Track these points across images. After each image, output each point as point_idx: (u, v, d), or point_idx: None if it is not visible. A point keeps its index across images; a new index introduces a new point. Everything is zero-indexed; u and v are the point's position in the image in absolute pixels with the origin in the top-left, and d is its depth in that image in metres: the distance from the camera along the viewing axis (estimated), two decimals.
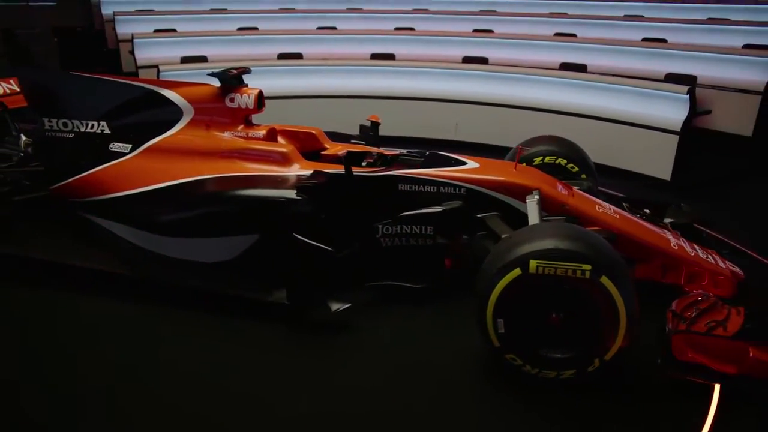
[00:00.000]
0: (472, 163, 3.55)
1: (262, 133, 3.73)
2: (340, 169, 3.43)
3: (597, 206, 3.38)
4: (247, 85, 3.78)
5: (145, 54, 8.01)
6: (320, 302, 3.13)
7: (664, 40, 7.62)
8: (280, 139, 3.86)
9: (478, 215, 3.37)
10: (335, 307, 3.10)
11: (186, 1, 10.35)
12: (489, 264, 2.72)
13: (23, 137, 4.34)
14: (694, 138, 5.87)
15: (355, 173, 3.39)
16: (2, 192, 3.92)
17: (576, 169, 3.98)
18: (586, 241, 2.59)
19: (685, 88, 5.77)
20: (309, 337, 3.19)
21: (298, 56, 8.20)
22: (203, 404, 2.68)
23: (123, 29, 9.02)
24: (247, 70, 3.82)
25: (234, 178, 3.48)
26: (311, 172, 3.46)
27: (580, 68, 7.25)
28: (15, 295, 3.54)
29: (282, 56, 8.16)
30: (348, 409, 2.66)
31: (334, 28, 9.27)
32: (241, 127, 3.77)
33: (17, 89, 4.64)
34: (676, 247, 3.27)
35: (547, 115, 6.60)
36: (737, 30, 7.45)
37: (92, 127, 4.03)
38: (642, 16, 8.74)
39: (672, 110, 5.88)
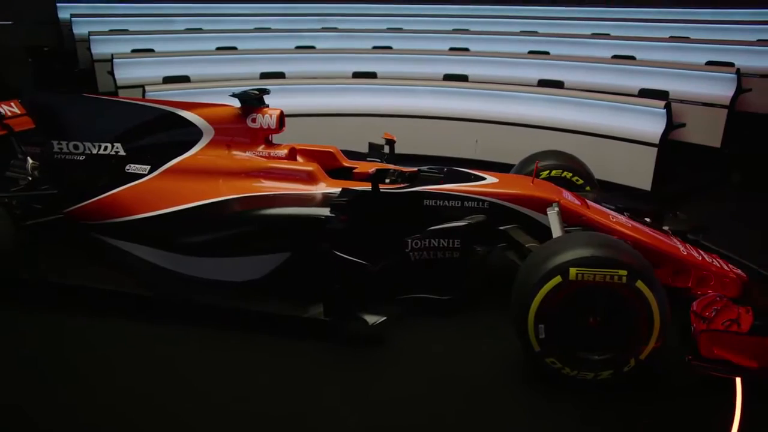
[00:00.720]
0: (490, 178, 3.71)
1: (284, 152, 3.81)
2: (365, 187, 3.54)
3: (611, 216, 3.59)
4: (267, 106, 3.86)
5: (125, 74, 7.95)
6: (357, 316, 3.21)
7: (633, 57, 8.03)
8: (299, 158, 3.95)
9: (500, 228, 3.53)
10: (372, 320, 3.19)
11: (159, 21, 10.33)
12: (527, 273, 2.87)
13: (30, 160, 4.29)
14: (670, 150, 6.23)
15: (381, 190, 3.51)
16: (14, 216, 3.86)
17: (581, 181, 4.20)
18: (619, 249, 2.78)
19: (663, 103, 6.12)
20: (344, 352, 3.27)
21: (280, 75, 8.28)
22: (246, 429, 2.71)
23: (99, 49, 8.90)
24: (266, 91, 3.90)
25: (264, 197, 3.54)
26: (339, 189, 3.55)
27: (558, 84, 7.57)
28: (35, 320, 3.49)
29: (264, 75, 8.22)
30: (389, 422, 2.75)
31: (313, 47, 9.39)
32: (262, 147, 3.84)
33: (18, 111, 4.59)
34: (685, 253, 3.50)
35: (532, 130, 6.86)
36: (698, 48, 7.93)
37: (105, 149, 4.03)
38: (609, 34, 9.18)
39: (650, 124, 6.22)
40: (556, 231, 3.31)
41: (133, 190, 3.80)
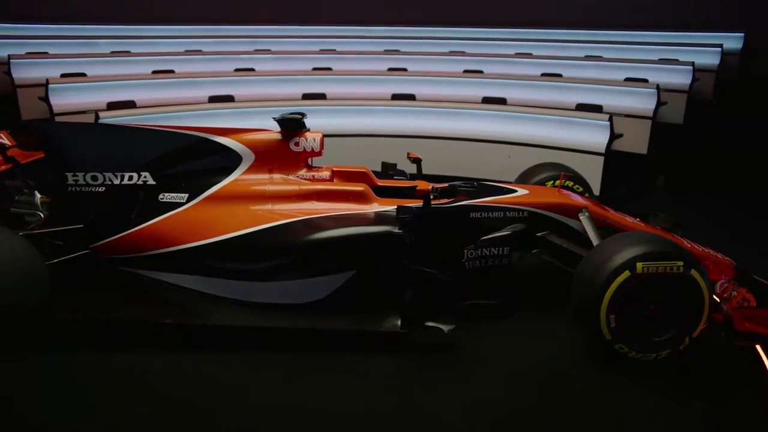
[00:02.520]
0: (521, 190, 4.07)
1: (327, 174, 3.92)
2: (416, 203, 3.75)
3: (627, 217, 4.07)
4: (309, 129, 3.95)
5: (61, 100, 7.52)
6: (434, 326, 3.40)
7: (560, 75, 8.84)
8: (336, 179, 4.06)
9: (538, 234, 3.89)
10: (447, 328, 3.40)
11: (81, 43, 9.82)
12: (593, 272, 3.23)
13: (38, 195, 4.04)
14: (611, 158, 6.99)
15: (433, 206, 3.74)
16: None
17: (581, 189, 4.67)
18: (672, 244, 3.23)
19: (607, 116, 6.86)
20: (423, 360, 3.44)
21: (229, 99, 8.19)
22: None
23: (21, 73, 8.33)
24: (304, 115, 3.98)
25: (326, 218, 3.63)
26: (392, 207, 3.73)
27: (501, 101, 8.16)
28: (89, 361, 3.35)
29: (213, 99, 8.10)
30: (493, 420, 2.97)
31: (253, 69, 9.37)
32: (305, 170, 3.92)
33: (9, 143, 4.30)
34: (689, 245, 4.05)
35: (486, 144, 7.38)
36: (614, 66, 8.91)
37: (131, 178, 3.91)
38: (531, 53, 10.01)
39: (595, 135, 6.94)
40: (592, 233, 3.73)
41: (174, 219, 3.73)
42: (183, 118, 6.98)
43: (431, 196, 3.98)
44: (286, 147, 3.89)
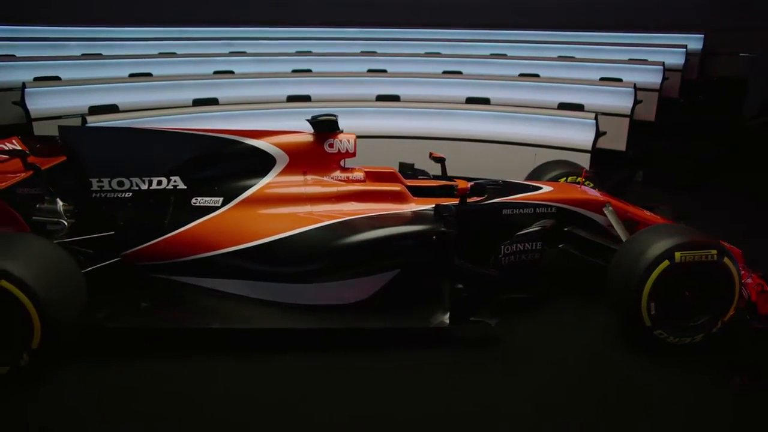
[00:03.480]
0: (546, 187, 4.21)
1: (361, 175, 3.96)
2: (452, 201, 3.83)
3: (645, 211, 4.27)
4: (342, 131, 3.97)
5: (38, 105, 7.27)
6: (481, 320, 3.49)
7: (538, 75, 9.12)
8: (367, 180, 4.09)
9: (565, 228, 4.04)
10: (494, 322, 3.50)
11: (50, 45, 9.48)
12: (632, 262, 3.39)
13: (60, 202, 3.91)
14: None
15: (469, 203, 3.83)
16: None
17: (591, 185, 4.86)
18: (704, 234, 3.43)
19: (593, 114, 7.12)
20: (471, 355, 3.52)
21: (213, 101, 8.08)
22: None
23: None
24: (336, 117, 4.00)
25: (370, 218, 3.66)
26: (429, 206, 3.80)
27: (485, 101, 8.35)
28: (137, 370, 3.29)
29: (197, 102, 7.97)
30: (545, 409, 3.07)
31: (232, 72, 9.26)
32: (338, 171, 3.95)
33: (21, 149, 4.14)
34: None
35: (477, 145, 7.54)
36: (587, 66, 9.24)
37: (159, 183, 3.84)
38: (505, 54, 10.26)
39: (582, 133, 7.20)
40: (618, 226, 3.91)
41: (211, 224, 3.68)
42: (169, 122, 6.85)
43: (455, 194, 4.07)
44: (321, 149, 3.90)
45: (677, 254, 3.30)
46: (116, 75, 8.60)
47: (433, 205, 3.80)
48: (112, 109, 7.38)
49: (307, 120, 3.93)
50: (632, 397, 3.17)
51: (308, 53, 10.38)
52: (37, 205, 3.85)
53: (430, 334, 3.57)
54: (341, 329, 3.52)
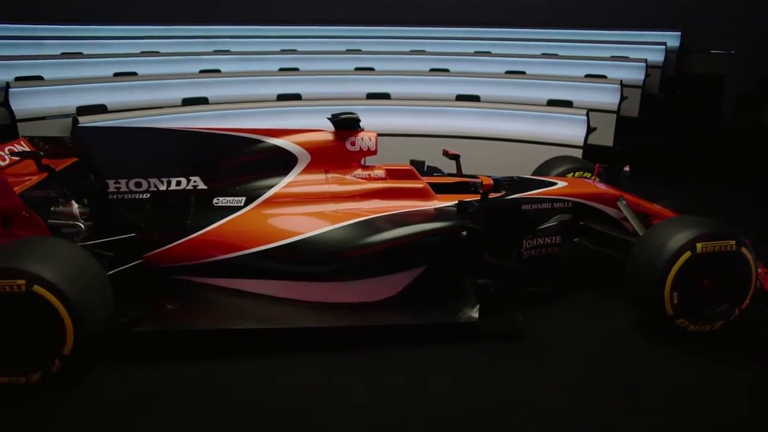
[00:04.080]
0: (561, 182, 4.29)
1: (382, 172, 3.97)
2: (474, 197, 3.88)
3: (655, 205, 4.39)
4: (362, 129, 3.98)
5: (23, 105, 7.07)
6: (510, 314, 3.55)
7: (524, 72, 9.24)
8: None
9: (581, 222, 4.13)
10: (521, 316, 3.56)
11: (26, 44, 9.21)
12: (654, 254, 3.48)
13: (75, 205, 3.83)
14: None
15: (490, 199, 3.88)
16: None
17: (598, 179, 4.97)
18: (723, 224, 3.54)
19: (584, 111, 7.27)
20: (499, 349, 3.55)
21: (203, 101, 7.98)
22: None
23: None
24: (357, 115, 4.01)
25: (397, 215, 3.68)
26: (452, 203, 3.84)
27: (475, 98, 8.43)
28: (168, 374, 3.24)
29: (187, 101, 7.87)
30: (579, 399, 3.15)
31: (219, 71, 9.15)
32: (360, 169, 3.95)
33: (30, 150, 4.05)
34: None
35: (468, 142, 7.61)
36: (572, 63, 9.41)
37: (179, 183, 3.79)
38: (489, 52, 10.38)
39: (573, 129, 7.34)
40: (634, 219, 4.02)
41: (235, 223, 3.65)
42: (161, 122, 6.76)
43: (472, 190, 4.12)
44: (342, 147, 3.90)
45: (698, 245, 3.41)
46: (100, 74, 8.40)
47: (456, 202, 3.83)
48: (101, 109, 7.23)
49: (328, 118, 3.92)
50: (656, 385, 3.26)
51: (293, 51, 10.31)
52: (52, 208, 3.77)
53: (454, 329, 3.60)
54: (369, 327, 3.52)
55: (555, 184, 4.26)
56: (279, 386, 3.19)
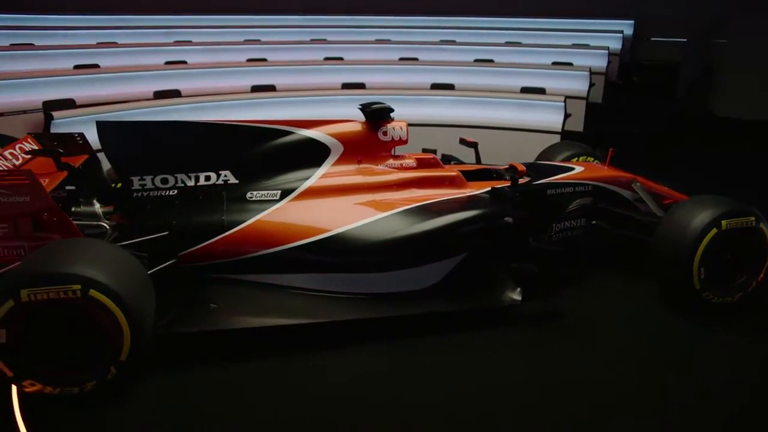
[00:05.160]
0: (578, 167, 4.42)
1: (413, 161, 3.97)
2: (504, 184, 3.95)
3: (663, 186, 4.60)
4: (393, 119, 3.96)
5: None
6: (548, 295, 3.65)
7: (492, 60, 9.42)
8: None
9: (600, 205, 4.29)
10: (559, 297, 3.67)
11: None
12: (680, 232, 3.65)
13: (97, 204, 3.64)
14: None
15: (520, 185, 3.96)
16: None
17: (598, 162, 5.15)
18: (740, 202, 3.77)
19: (562, 97, 7.49)
20: (539, 330, 3.64)
21: (176, 93, 7.70)
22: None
23: None
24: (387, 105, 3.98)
25: (437, 204, 3.69)
26: (484, 190, 3.89)
27: (450, 87, 8.53)
28: (216, 374, 3.15)
29: (158, 94, 7.57)
30: (623, 370, 3.30)
31: (185, 62, 8.84)
32: (391, 159, 3.94)
33: (37, 148, 3.81)
34: None
35: (448, 130, 7.69)
36: (537, 51, 9.66)
37: (208, 178, 3.67)
38: (454, 41, 10.49)
39: (550, 116, 7.56)
40: (650, 201, 4.21)
41: (274, 217, 3.56)
42: (135, 115, 6.50)
43: (494, 176, 4.20)
44: (374, 137, 3.87)
45: (723, 222, 3.61)
46: (57, 67, 7.95)
47: (490, 189, 3.89)
48: (69, 104, 6.86)
49: (360, 108, 3.89)
50: (695, 354, 3.47)
51: (257, 41, 10.09)
52: (73, 208, 3.57)
53: (492, 314, 3.67)
54: (414, 316, 3.53)
55: (573, 169, 4.39)
56: (334, 380, 3.16)
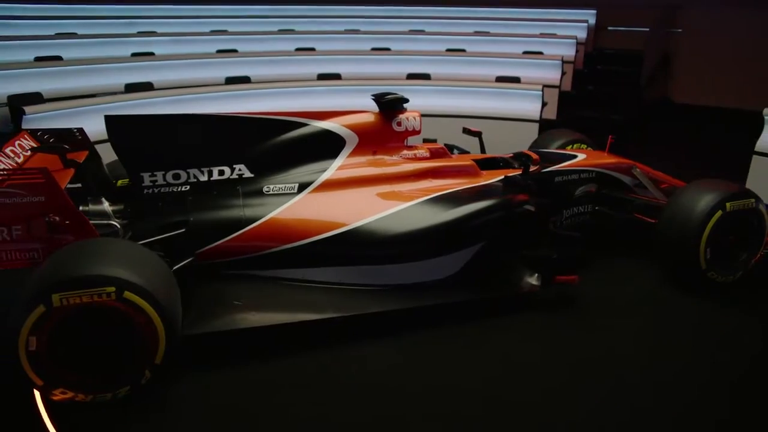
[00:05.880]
0: (581, 155, 4.50)
1: (426, 151, 3.96)
2: (516, 172, 4.00)
3: (658, 172, 4.74)
4: (406, 109, 3.93)
5: None
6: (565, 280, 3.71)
7: (464, 50, 9.48)
8: None
9: (603, 191, 4.39)
10: (578, 280, 3.74)
11: None
12: (687, 214, 3.78)
13: (105, 202, 3.49)
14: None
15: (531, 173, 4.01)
16: None
17: (588, 147, 5.26)
18: (740, 185, 3.93)
19: (539, 86, 7.61)
20: (557, 314, 3.70)
21: (148, 86, 7.43)
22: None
23: None
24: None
25: (455, 193, 3.69)
26: (498, 179, 3.93)
27: (426, 77, 8.54)
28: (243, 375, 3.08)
29: (129, 87, 7.29)
30: (649, 346, 3.43)
31: (153, 54, 8.54)
32: (405, 149, 3.92)
33: (34, 145, 3.61)
34: None
35: (431, 119, 7.71)
36: (506, 40, 9.77)
37: (222, 173, 3.57)
38: (423, 30, 10.50)
39: (528, 104, 7.68)
40: (650, 185, 4.34)
41: (293, 211, 3.49)
42: (110, 109, 6.25)
43: (501, 165, 4.24)
44: (389, 127, 3.84)
45: (728, 204, 3.76)
46: (16, 59, 7.56)
47: (503, 177, 3.93)
48: (36, 98, 6.55)
49: (373, 99, 3.85)
50: (709, 330, 3.63)
51: (225, 32, 9.84)
52: (81, 207, 3.41)
53: (510, 300, 3.72)
54: (437, 305, 3.53)
55: (576, 156, 4.47)
56: (371, 370, 3.15)
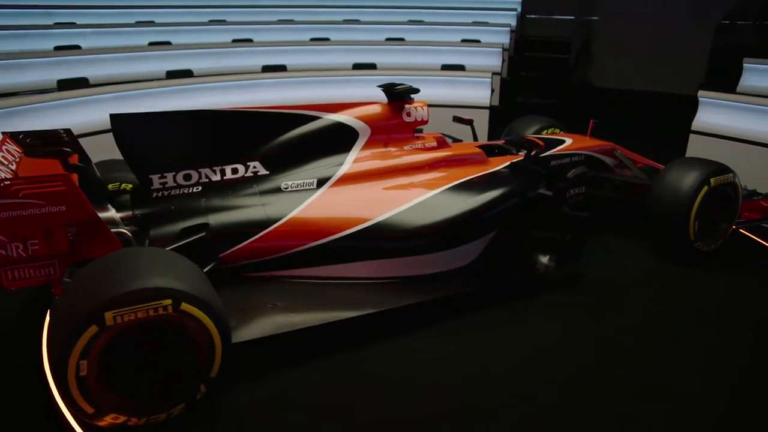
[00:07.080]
0: (568, 139, 4.67)
1: (434, 141, 3.95)
2: (518, 158, 4.09)
3: (634, 153, 5.00)
4: (414, 99, 3.90)
5: None
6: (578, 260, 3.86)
7: (403, 39, 9.52)
8: None
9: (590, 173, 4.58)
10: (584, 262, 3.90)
11: None
12: (674, 191, 4.03)
13: (112, 209, 3.22)
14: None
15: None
16: None
17: (560, 131, 5.47)
18: (718, 162, 4.23)
19: (489, 74, 7.80)
20: (571, 293, 3.84)
21: (84, 82, 6.90)
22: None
23: None
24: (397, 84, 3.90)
25: (471, 181, 3.71)
26: (504, 165, 4.00)
27: (371, 66, 8.50)
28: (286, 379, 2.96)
29: (62, 84, 6.73)
30: (664, 310, 3.67)
31: (79, 47, 7.94)
32: (414, 140, 3.89)
33: (18, 150, 3.27)
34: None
35: None
36: (441, 29, 9.91)
37: (235, 171, 3.41)
38: (358, 20, 10.42)
39: (477, 91, 7.85)
40: (631, 165, 4.60)
41: (317, 208, 3.37)
42: (43, 108, 5.79)
43: (496, 151, 4.32)
44: (399, 118, 3.79)
45: (712, 180, 4.06)
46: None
47: (509, 163, 4.00)
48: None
49: (383, 90, 3.79)
50: (710, 294, 3.94)
51: (152, 23, 9.28)
52: None
53: (518, 284, 3.81)
54: (467, 293, 3.56)
55: (564, 141, 4.64)
56: (420, 361, 3.13)
